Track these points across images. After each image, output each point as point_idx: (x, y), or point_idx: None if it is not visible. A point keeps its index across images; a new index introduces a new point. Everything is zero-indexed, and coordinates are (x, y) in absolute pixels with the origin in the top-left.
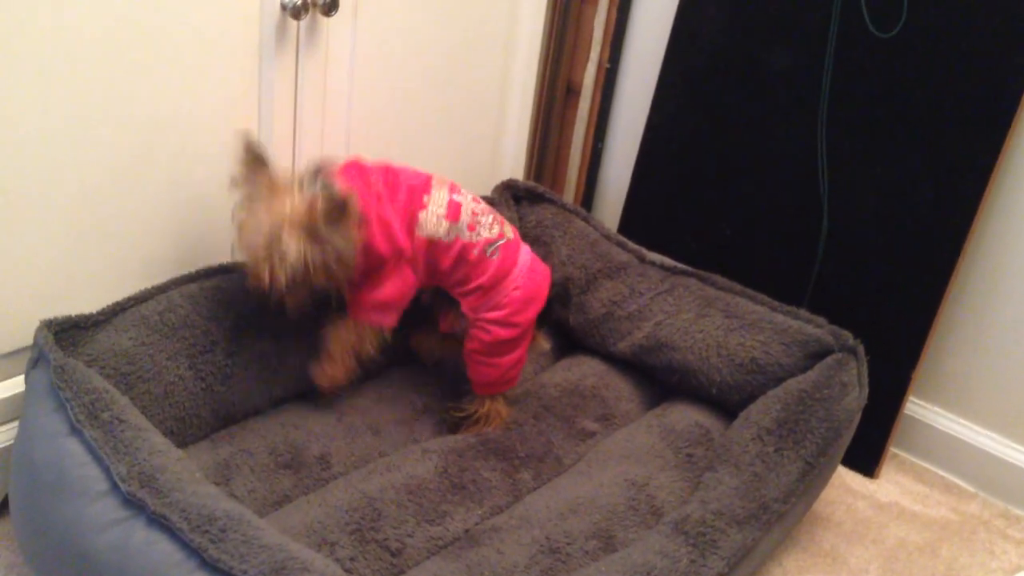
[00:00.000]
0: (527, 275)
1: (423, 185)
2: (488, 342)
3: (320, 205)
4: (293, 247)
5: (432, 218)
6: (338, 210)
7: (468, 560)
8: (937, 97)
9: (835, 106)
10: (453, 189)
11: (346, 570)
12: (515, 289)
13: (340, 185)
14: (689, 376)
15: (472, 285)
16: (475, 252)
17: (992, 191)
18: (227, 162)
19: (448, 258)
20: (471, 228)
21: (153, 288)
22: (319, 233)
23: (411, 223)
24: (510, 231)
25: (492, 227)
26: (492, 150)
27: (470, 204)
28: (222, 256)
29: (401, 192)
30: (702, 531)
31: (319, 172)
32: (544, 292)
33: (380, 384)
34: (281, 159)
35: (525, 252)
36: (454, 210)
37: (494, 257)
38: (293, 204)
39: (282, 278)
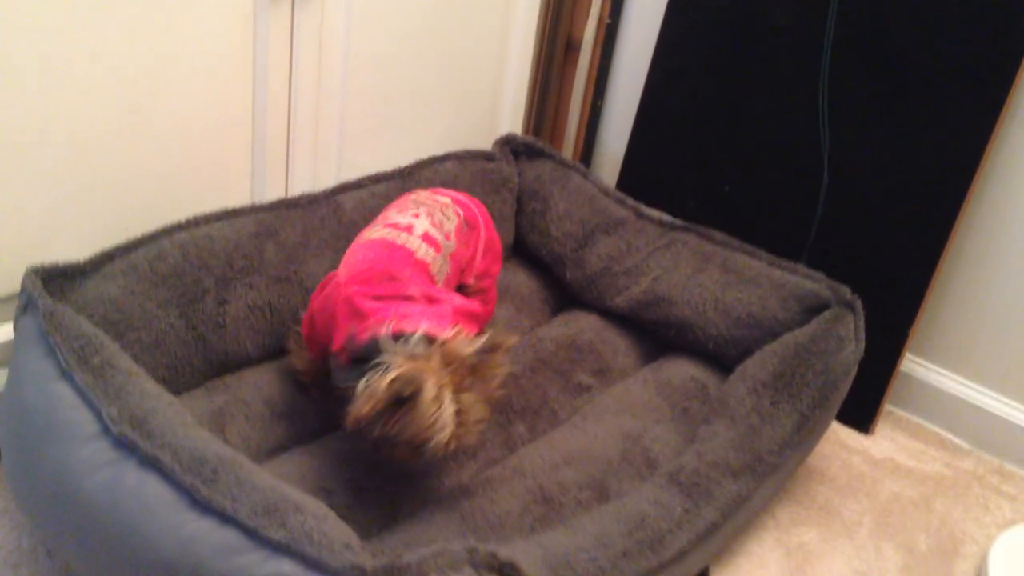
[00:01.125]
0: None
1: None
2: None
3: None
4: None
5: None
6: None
7: (462, 510)
8: (939, 52)
9: (837, 62)
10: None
11: (341, 518)
12: None
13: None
14: (686, 331)
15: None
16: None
17: (993, 148)
18: (221, 112)
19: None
20: (447, 238)
21: (143, 236)
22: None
23: None
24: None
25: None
26: (490, 105)
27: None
28: (212, 205)
29: None
30: (696, 481)
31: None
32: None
33: None
34: (277, 109)
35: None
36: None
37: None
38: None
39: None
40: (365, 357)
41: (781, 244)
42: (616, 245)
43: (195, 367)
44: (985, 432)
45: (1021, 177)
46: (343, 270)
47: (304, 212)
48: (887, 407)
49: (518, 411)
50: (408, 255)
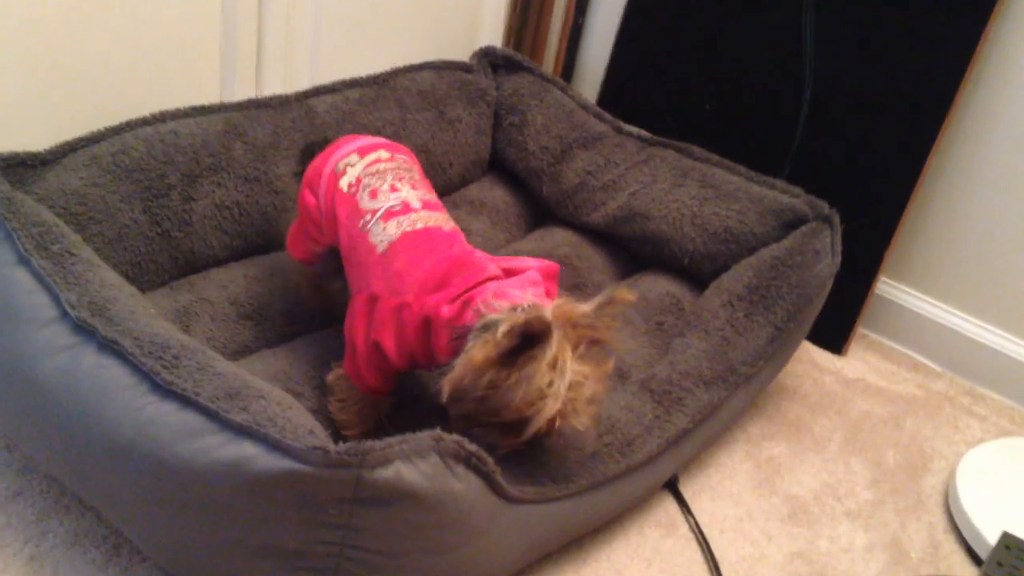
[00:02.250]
0: None
1: None
2: None
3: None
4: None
5: None
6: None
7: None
8: None
9: None
10: None
11: None
12: None
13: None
14: (662, 246)
15: None
16: None
17: (976, 66)
18: (188, 5)
19: None
20: (430, 191)
21: (106, 129)
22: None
23: None
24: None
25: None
26: (471, 18)
27: None
28: (180, 103)
29: None
30: (668, 389)
31: None
32: None
33: None
34: (247, 6)
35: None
36: None
37: None
38: None
39: None
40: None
41: (761, 162)
42: (594, 160)
43: (160, 265)
44: (958, 355)
45: (1001, 101)
46: (393, 288)
47: (275, 113)
48: (861, 330)
49: None
50: (442, 234)
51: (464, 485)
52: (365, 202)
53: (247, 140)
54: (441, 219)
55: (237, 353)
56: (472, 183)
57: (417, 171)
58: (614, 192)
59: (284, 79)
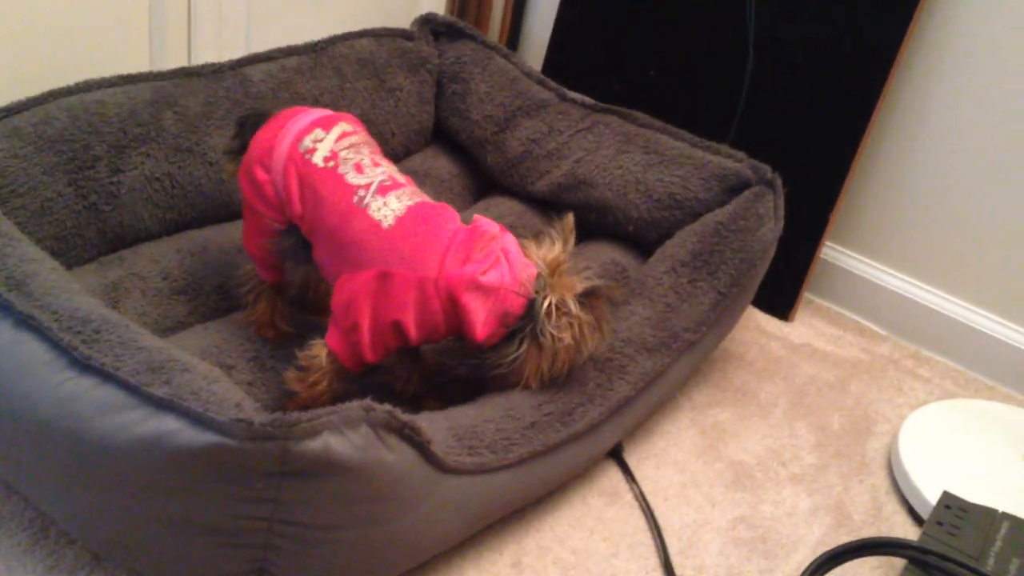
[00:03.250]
0: None
1: None
2: None
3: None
4: None
5: None
6: None
7: (367, 388)
8: None
9: None
10: None
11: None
12: None
13: None
14: (607, 213)
15: None
16: None
17: (915, 32)
18: None
19: None
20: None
21: (28, 99)
22: None
23: None
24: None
25: None
26: None
27: None
28: (107, 70)
29: None
30: (610, 357)
31: None
32: None
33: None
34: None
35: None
36: None
37: None
38: None
39: None
40: (522, 323)
41: (706, 128)
42: (538, 128)
43: (88, 239)
44: (903, 318)
45: (941, 64)
46: (410, 263)
47: (207, 81)
48: (807, 295)
49: None
50: (439, 207)
51: (396, 456)
52: (352, 176)
53: (178, 110)
54: (427, 198)
55: (170, 329)
56: (415, 153)
57: (375, 143)
58: (558, 160)
59: (217, 47)
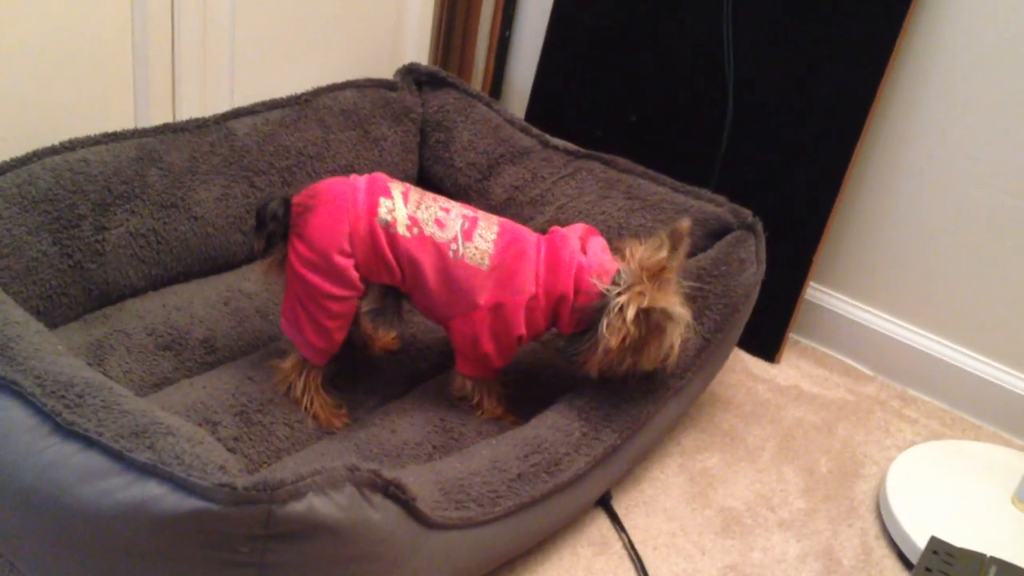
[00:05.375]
0: None
1: None
2: None
3: None
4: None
5: None
6: None
7: (357, 439)
8: None
9: None
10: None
11: (228, 450)
12: None
13: None
14: None
15: None
16: None
17: (891, 75)
18: (96, 30)
19: None
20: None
21: (11, 160)
22: None
23: None
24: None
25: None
26: (394, 35)
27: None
28: (92, 128)
29: None
30: (595, 406)
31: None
32: None
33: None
34: (158, 29)
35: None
36: None
37: None
38: None
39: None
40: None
41: (688, 174)
42: (521, 175)
43: (73, 298)
44: (888, 358)
45: (918, 106)
46: (512, 289)
47: (192, 137)
48: (793, 336)
49: (422, 349)
50: (513, 228)
51: (382, 515)
52: (439, 233)
53: (162, 166)
54: (486, 214)
55: (156, 385)
56: None
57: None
58: (542, 206)
59: (201, 101)
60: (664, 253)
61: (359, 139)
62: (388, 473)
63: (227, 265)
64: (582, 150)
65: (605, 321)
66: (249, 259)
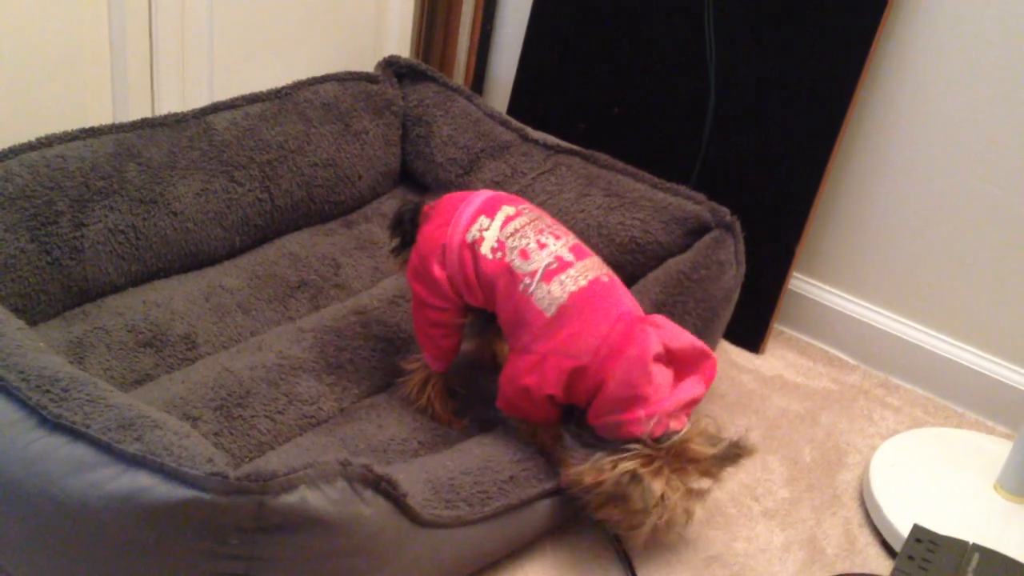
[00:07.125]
0: None
1: None
2: None
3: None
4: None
5: None
6: None
7: (342, 434)
8: None
9: None
10: None
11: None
12: None
13: None
14: None
15: None
16: None
17: (872, 65)
18: (72, 25)
19: None
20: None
21: None
22: None
23: None
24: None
25: None
26: (375, 30)
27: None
28: (69, 124)
29: None
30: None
31: None
32: None
33: (253, 261)
34: (136, 24)
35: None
36: None
37: None
38: None
39: None
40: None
41: (670, 166)
42: (501, 170)
43: (52, 295)
44: (871, 347)
45: (900, 96)
46: (567, 350)
47: (171, 132)
48: (777, 326)
49: (406, 339)
50: (605, 288)
51: (373, 510)
52: (519, 265)
53: (141, 161)
54: (596, 265)
55: (136, 382)
56: (384, 195)
57: (547, 216)
58: None
59: (181, 96)
60: (714, 452)
61: (341, 132)
62: (380, 469)
63: (207, 260)
64: (562, 144)
65: (607, 459)
66: (230, 254)
